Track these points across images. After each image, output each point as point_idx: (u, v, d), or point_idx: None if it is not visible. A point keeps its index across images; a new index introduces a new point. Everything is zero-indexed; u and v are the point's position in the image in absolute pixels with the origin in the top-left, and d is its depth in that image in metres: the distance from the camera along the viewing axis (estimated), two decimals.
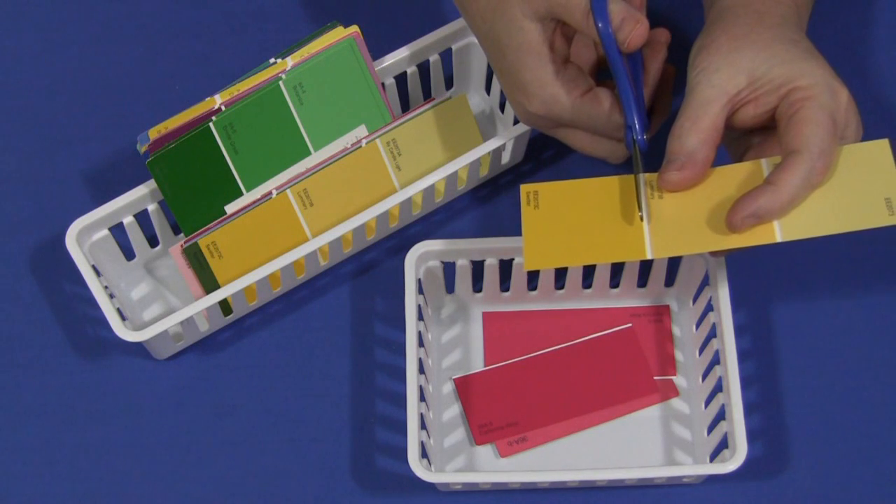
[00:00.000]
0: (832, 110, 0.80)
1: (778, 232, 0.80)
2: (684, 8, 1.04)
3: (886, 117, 1.01)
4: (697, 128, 0.81)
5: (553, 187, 0.86)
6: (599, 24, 0.82)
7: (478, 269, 0.93)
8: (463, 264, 0.93)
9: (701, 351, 0.92)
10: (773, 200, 0.79)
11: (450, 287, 0.95)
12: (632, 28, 0.83)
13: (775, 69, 0.81)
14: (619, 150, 0.87)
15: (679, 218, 0.82)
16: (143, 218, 0.94)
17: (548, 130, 0.89)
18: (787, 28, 0.83)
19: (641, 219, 0.82)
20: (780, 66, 0.81)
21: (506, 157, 0.99)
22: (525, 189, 0.86)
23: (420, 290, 0.92)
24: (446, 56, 1.00)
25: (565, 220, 0.84)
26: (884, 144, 0.82)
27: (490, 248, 0.92)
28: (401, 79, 0.99)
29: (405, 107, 1.01)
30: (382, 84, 0.96)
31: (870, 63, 1.04)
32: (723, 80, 0.81)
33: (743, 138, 0.85)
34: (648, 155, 0.85)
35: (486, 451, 0.91)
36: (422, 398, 0.87)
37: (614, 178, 0.85)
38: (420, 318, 0.90)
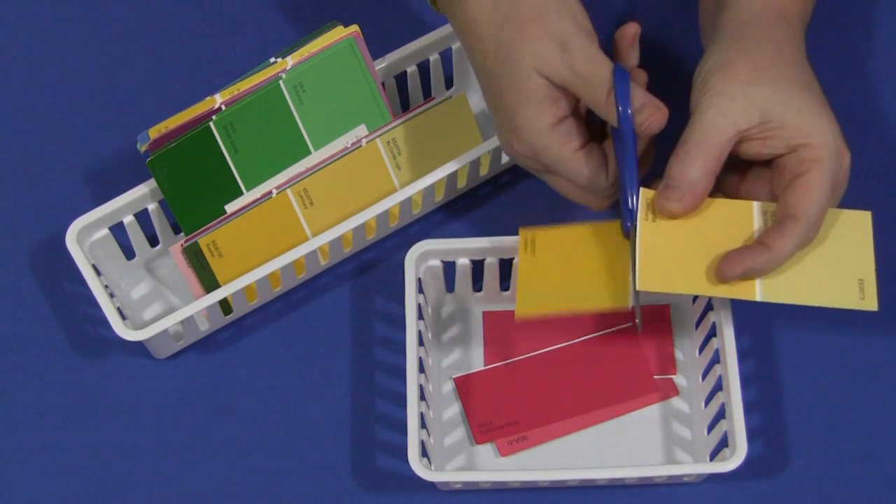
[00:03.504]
0: (835, 175, 0.81)
1: (759, 292, 0.82)
2: (682, 14, 1.04)
3: (886, 120, 1.01)
4: (703, 156, 0.81)
5: (550, 234, 0.87)
6: (620, 108, 0.81)
7: (478, 268, 0.93)
8: (463, 264, 0.93)
9: (701, 350, 0.92)
10: (767, 263, 0.81)
11: (450, 286, 0.95)
12: (651, 113, 0.82)
13: (789, 114, 0.81)
14: (600, 202, 0.87)
15: (666, 254, 0.83)
16: (143, 217, 0.94)
17: (532, 171, 0.88)
18: (802, 65, 0.84)
19: (638, 325, 0.84)
20: (794, 111, 0.81)
21: (506, 157, 0.99)
22: (524, 235, 0.88)
23: (420, 290, 0.92)
24: (446, 56, 1.00)
25: (559, 268, 0.86)
26: (866, 217, 0.84)
27: (490, 248, 0.92)
28: (401, 78, 0.99)
29: (405, 106, 1.01)
30: (382, 84, 0.96)
31: (870, 65, 1.04)
32: (736, 111, 0.81)
33: (733, 160, 0.84)
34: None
35: (486, 450, 0.91)
36: (422, 397, 0.87)
37: (612, 223, 0.86)
38: (420, 317, 0.90)
